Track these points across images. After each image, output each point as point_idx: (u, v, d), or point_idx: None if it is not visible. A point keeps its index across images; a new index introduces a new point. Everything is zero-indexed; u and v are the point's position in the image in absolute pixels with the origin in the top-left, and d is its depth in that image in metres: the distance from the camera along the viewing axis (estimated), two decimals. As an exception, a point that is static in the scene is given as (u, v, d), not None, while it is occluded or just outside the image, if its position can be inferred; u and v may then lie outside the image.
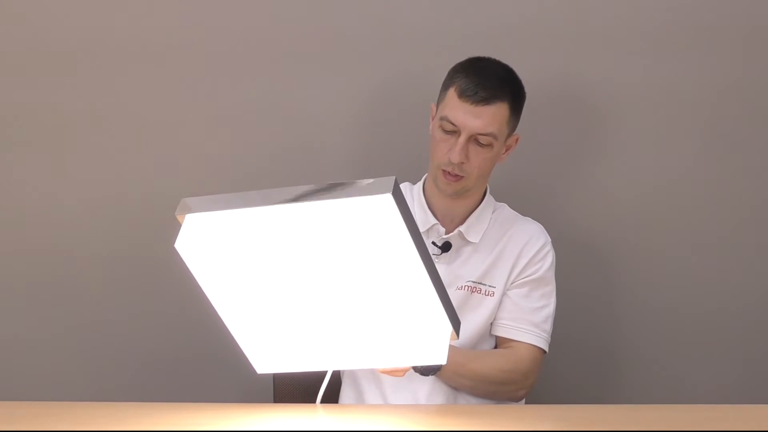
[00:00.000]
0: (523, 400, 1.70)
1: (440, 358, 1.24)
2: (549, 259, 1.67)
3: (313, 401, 1.38)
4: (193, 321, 1.94)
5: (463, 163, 1.57)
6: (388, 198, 1.06)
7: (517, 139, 1.67)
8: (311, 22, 1.95)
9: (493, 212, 1.71)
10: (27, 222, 1.96)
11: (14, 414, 1.35)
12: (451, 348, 1.47)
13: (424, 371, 1.51)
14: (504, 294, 1.65)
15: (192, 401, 1.49)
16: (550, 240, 1.69)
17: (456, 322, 1.21)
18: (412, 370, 1.49)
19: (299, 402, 1.64)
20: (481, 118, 1.55)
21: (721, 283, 1.98)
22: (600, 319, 1.97)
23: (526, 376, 1.62)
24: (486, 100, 1.55)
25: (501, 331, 1.66)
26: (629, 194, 1.97)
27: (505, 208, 1.74)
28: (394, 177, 1.08)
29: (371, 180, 1.09)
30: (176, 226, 1.14)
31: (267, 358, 1.37)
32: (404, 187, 1.74)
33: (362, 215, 1.09)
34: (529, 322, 1.62)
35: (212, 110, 1.97)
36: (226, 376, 1.90)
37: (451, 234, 1.66)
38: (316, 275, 1.18)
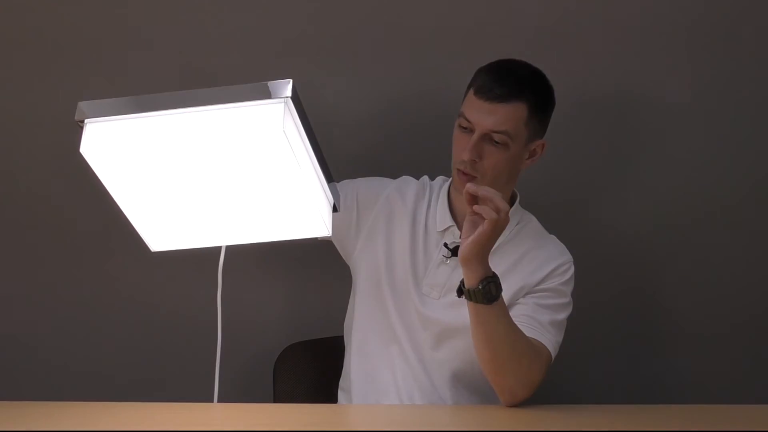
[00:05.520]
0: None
1: (326, 230, 1.39)
2: (567, 276, 1.58)
3: (313, 401, 1.38)
4: (192, 323, 1.94)
5: (475, 161, 1.53)
6: (280, 107, 1.17)
7: (543, 146, 1.60)
8: (315, 20, 1.94)
9: (517, 224, 1.63)
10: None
11: (14, 414, 1.35)
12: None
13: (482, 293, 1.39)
14: (509, 302, 1.56)
15: (192, 401, 1.48)
16: (571, 259, 1.61)
17: (336, 196, 1.42)
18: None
19: (299, 402, 1.65)
20: (494, 115, 1.51)
21: (725, 284, 1.97)
22: (599, 319, 1.97)
23: (537, 372, 1.47)
24: (500, 98, 1.51)
25: None
26: (647, 190, 1.96)
27: (531, 222, 1.66)
28: (290, 80, 1.17)
29: (266, 84, 1.18)
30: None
31: (163, 236, 1.41)
32: (438, 181, 1.71)
33: (258, 120, 1.18)
34: (532, 319, 1.52)
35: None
36: (226, 376, 1.90)
37: None
38: (213, 168, 1.24)
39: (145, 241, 1.41)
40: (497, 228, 1.36)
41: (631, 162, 1.95)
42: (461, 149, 1.54)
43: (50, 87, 1.90)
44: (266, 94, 1.18)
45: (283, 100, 1.18)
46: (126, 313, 1.96)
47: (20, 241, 1.94)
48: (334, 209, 1.43)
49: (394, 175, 1.74)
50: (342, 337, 1.75)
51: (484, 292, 1.38)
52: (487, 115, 1.51)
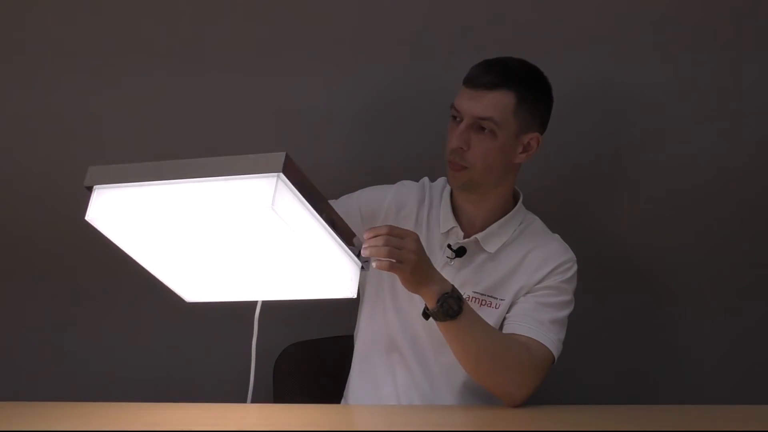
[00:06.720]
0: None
1: (350, 291, 1.34)
2: (569, 274, 1.58)
3: (313, 401, 1.38)
4: (191, 321, 1.94)
5: (463, 149, 1.53)
6: (272, 181, 1.13)
7: (538, 140, 1.57)
8: (312, 18, 1.94)
9: (520, 224, 1.63)
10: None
11: (14, 414, 1.35)
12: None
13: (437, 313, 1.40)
14: (512, 302, 1.57)
15: (192, 401, 1.48)
16: (574, 258, 1.60)
17: (363, 259, 1.35)
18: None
19: (299, 402, 1.65)
20: (480, 102, 1.52)
21: (725, 283, 1.97)
22: (600, 319, 1.97)
23: (533, 371, 1.47)
24: (486, 85, 1.52)
25: (503, 328, 1.56)
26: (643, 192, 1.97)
27: (535, 222, 1.65)
28: (284, 153, 1.12)
29: (258, 156, 1.14)
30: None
31: (195, 289, 1.42)
32: (439, 182, 1.70)
33: (256, 193, 1.14)
34: (532, 318, 1.52)
35: (211, 109, 1.96)
36: (226, 377, 1.90)
37: (468, 240, 1.60)
38: (222, 234, 1.22)
39: (178, 294, 1.42)
40: (407, 266, 1.35)
41: (633, 161, 1.95)
42: (450, 139, 1.55)
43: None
44: (258, 168, 1.14)
45: (275, 175, 1.13)
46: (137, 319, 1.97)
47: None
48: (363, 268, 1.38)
49: (394, 178, 1.74)
50: (342, 337, 1.75)
51: (444, 309, 1.39)
52: (473, 103, 1.52)
